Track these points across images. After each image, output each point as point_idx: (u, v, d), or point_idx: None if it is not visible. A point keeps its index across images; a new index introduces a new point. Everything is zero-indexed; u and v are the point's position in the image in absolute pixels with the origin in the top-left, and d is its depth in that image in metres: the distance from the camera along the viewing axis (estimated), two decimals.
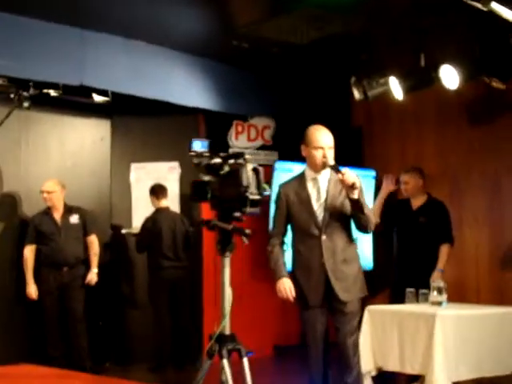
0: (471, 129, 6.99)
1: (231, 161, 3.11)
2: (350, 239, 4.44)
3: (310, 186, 4.41)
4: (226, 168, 3.11)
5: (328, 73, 7.24)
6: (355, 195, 4.17)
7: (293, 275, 4.42)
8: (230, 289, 3.12)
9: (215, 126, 7.42)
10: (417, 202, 6.22)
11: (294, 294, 4.32)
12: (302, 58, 6.90)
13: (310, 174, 4.43)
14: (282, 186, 4.53)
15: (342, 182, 4.14)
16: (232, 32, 6.29)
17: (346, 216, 4.38)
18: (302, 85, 7.52)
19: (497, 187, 6.84)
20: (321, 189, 4.39)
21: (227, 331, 3.12)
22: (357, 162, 7.63)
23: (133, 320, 7.26)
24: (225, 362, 3.02)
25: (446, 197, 6.93)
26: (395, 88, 6.33)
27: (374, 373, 5.07)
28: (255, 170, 3.12)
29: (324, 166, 4.30)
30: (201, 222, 3.18)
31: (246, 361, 3.14)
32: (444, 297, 5.04)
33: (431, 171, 7.16)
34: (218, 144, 7.39)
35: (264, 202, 3.27)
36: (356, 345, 4.38)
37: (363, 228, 4.38)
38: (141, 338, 7.15)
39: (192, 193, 3.22)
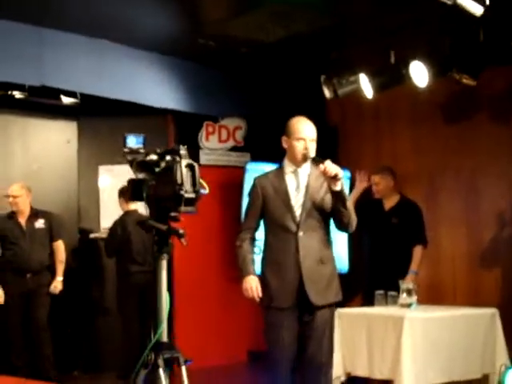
0: (446, 127, 6.88)
1: (168, 157, 2.94)
2: (328, 239, 4.22)
3: (288, 178, 4.20)
4: (162, 165, 2.93)
5: (300, 72, 7.10)
6: (338, 186, 3.95)
7: (261, 272, 4.19)
8: (167, 294, 2.94)
9: (185, 127, 7.27)
10: (389, 202, 6.10)
11: (260, 293, 4.09)
12: (272, 56, 6.77)
13: (289, 167, 4.22)
14: (257, 178, 4.30)
15: (324, 173, 3.91)
16: (198, 30, 6.16)
17: (325, 214, 4.17)
18: (274, 84, 7.39)
19: (473, 186, 6.74)
20: (300, 183, 4.18)
21: (164, 339, 2.94)
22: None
23: (102, 327, 7.11)
24: (161, 371, 2.83)
25: (422, 196, 6.84)
26: (365, 86, 6.21)
27: (343, 378, 4.94)
28: (190, 167, 2.94)
29: (305, 158, 4.09)
30: (137, 222, 3.00)
31: (184, 370, 2.95)
32: (413, 299, 4.91)
33: (406, 170, 7.06)
34: (189, 145, 7.25)
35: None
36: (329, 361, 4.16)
37: (344, 225, 4.16)
38: (110, 346, 6.99)
39: (129, 192, 3.05)
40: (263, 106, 7.44)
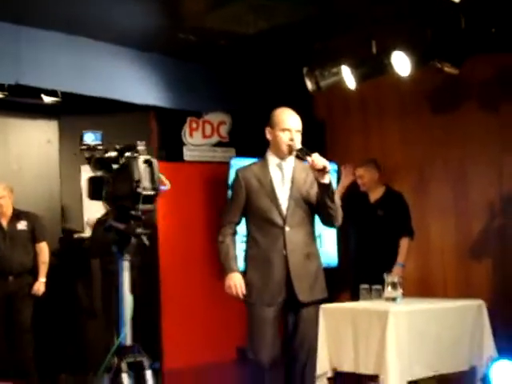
0: (434, 117, 6.83)
1: (127, 154, 2.83)
2: (313, 234, 4.15)
3: (273, 171, 4.09)
4: (121, 162, 2.83)
5: (284, 64, 6.99)
6: (326, 179, 3.86)
7: (245, 267, 4.09)
8: (130, 295, 2.84)
9: (168, 124, 7.18)
10: (374, 194, 6.03)
11: (244, 290, 4.00)
12: (254, 49, 6.66)
13: (273, 159, 4.11)
14: (240, 171, 4.19)
15: (312, 165, 3.82)
16: (177, 25, 6.06)
17: (311, 208, 4.08)
18: (258, 78, 7.28)
19: (462, 176, 6.65)
20: (285, 176, 4.08)
21: (128, 342, 2.84)
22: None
23: (88, 329, 7.00)
24: (124, 376, 2.74)
25: (411, 188, 6.78)
26: (348, 77, 6.11)
27: (330, 374, 4.85)
28: (148, 163, 2.84)
29: (290, 150, 3.99)
30: (97, 222, 2.91)
31: (149, 374, 2.86)
32: (398, 292, 4.80)
33: (395, 162, 6.99)
34: (173, 141, 7.19)
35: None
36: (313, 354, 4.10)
37: (331, 220, 4.07)
38: (96, 347, 6.87)
39: (88, 191, 2.95)
40: (247, 100, 7.34)
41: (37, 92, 6.32)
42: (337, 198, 4.02)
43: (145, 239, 2.82)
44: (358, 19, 5.89)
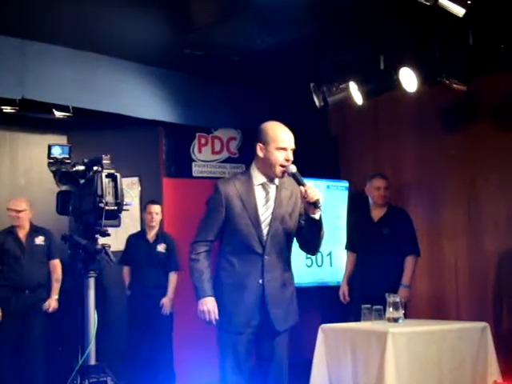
0: (448, 135, 6.69)
1: (92, 168, 2.76)
2: (290, 259, 3.88)
3: (258, 192, 3.77)
4: (88, 176, 2.76)
5: (294, 80, 6.92)
6: (317, 215, 3.62)
7: (218, 291, 3.79)
8: (94, 313, 2.75)
9: (177, 139, 7.14)
10: (379, 212, 5.87)
11: (217, 316, 3.73)
12: (263, 64, 6.60)
13: (259, 177, 3.77)
14: (221, 185, 3.79)
15: (304, 197, 3.57)
16: (184, 39, 6.02)
17: (290, 233, 3.82)
18: (269, 94, 7.23)
19: (474, 196, 6.51)
20: (270, 198, 3.77)
21: (92, 361, 2.75)
22: (331, 173, 7.33)
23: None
24: None
25: (423, 206, 6.66)
26: (355, 93, 6.03)
27: None
28: (112, 177, 2.76)
29: (284, 172, 3.69)
30: (62, 237, 2.83)
31: None
32: (400, 313, 4.70)
33: (408, 180, 6.88)
34: (181, 157, 7.14)
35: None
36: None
37: (312, 249, 3.88)
38: None
39: (57, 205, 2.89)
40: (258, 116, 7.24)
41: (48, 107, 6.32)
42: (323, 231, 3.75)
43: (109, 256, 2.73)
44: (365, 35, 5.82)
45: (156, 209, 6.61)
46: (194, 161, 7.23)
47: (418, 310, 6.22)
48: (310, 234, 3.76)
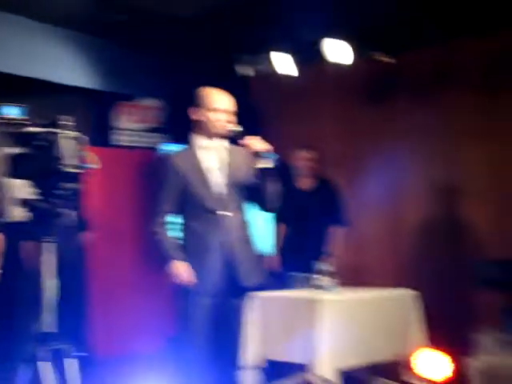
0: (371, 108, 6.76)
1: (49, 129, 2.64)
2: (247, 219, 4.01)
3: (205, 155, 3.90)
4: (42, 138, 2.64)
5: (219, 49, 6.84)
6: (266, 164, 3.75)
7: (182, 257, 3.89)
8: (54, 280, 2.64)
9: (98, 107, 6.97)
10: (308, 183, 5.91)
11: (193, 277, 3.81)
12: (187, 33, 6.48)
13: (202, 142, 3.92)
14: (171, 157, 3.97)
15: (249, 148, 3.71)
16: (106, 3, 5.83)
17: (246, 193, 3.94)
18: (192, 63, 7.10)
19: (397, 168, 6.65)
20: (219, 159, 3.91)
21: (50, 329, 2.64)
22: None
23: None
24: (43, 364, 2.54)
25: (346, 178, 6.74)
26: (279, 64, 6.02)
27: (262, 364, 4.78)
28: (72, 139, 2.66)
29: (228, 132, 3.82)
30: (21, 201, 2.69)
31: (71, 361, 2.66)
32: (329, 280, 4.75)
33: (330, 153, 6.94)
34: (101, 125, 6.98)
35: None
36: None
37: (268, 206, 3.97)
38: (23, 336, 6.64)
39: (11, 169, 2.74)
40: (180, 85, 7.15)
41: None
42: (276, 184, 3.90)
43: (70, 219, 2.63)
44: (290, 5, 5.78)
45: None
46: (115, 129, 7.06)
47: (341, 279, 6.32)
48: (264, 187, 3.85)
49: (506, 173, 6.09)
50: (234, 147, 3.94)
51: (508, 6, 5.34)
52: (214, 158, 3.92)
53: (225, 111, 3.86)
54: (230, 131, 3.82)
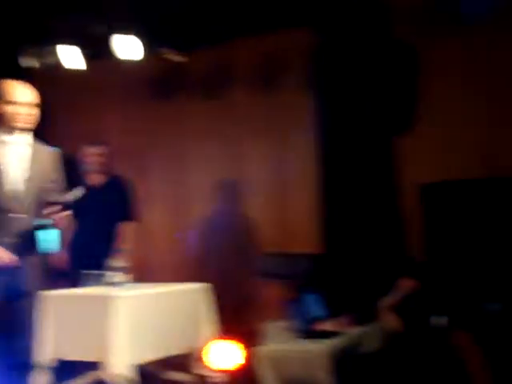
0: (157, 105, 6.81)
1: None
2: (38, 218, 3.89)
3: (1, 149, 3.73)
4: None
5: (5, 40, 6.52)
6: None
7: None
8: None
9: None
10: (96, 179, 5.86)
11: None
12: None
13: (1, 136, 3.74)
14: None
15: None
16: None
17: (45, 193, 3.87)
18: None
19: (184, 164, 6.77)
20: (20, 155, 3.76)
21: None
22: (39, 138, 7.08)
23: None
24: None
25: (132, 175, 6.72)
26: (65, 57, 5.91)
27: (52, 364, 4.68)
28: None
29: (17, 126, 3.70)
30: None
31: None
32: (121, 277, 4.76)
33: (118, 148, 6.90)
34: None
35: None
36: None
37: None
38: None
39: None
40: None
41: None
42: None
43: None
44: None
45: None
46: None
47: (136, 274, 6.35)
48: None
49: (286, 172, 6.40)
50: (40, 145, 3.84)
51: (286, 7, 5.59)
52: (15, 154, 3.78)
53: (25, 104, 3.74)
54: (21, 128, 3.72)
